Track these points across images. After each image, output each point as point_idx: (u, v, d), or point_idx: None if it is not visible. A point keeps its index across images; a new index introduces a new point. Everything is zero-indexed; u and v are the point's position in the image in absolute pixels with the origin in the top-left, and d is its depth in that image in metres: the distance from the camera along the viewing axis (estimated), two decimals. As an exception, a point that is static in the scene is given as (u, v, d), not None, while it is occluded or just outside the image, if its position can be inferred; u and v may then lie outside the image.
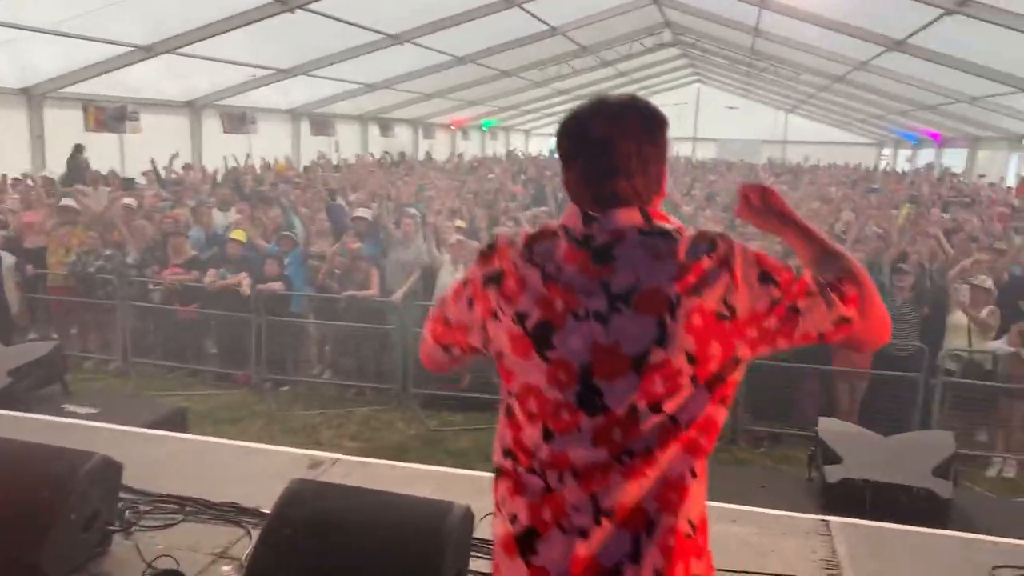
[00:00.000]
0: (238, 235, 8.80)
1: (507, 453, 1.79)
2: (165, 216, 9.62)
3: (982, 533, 4.46)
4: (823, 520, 4.13)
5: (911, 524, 4.31)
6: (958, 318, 7.16)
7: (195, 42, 12.48)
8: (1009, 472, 6.95)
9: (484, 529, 3.40)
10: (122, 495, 3.72)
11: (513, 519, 1.75)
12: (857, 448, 4.98)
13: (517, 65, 20.35)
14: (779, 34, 16.60)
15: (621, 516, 1.64)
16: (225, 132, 17.19)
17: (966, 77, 13.98)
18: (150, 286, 8.78)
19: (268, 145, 18.03)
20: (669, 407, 1.63)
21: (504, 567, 1.78)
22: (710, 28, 18.98)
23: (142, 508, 3.74)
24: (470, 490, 4.18)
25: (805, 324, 1.69)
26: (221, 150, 15.83)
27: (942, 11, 10.52)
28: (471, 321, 1.84)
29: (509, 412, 1.78)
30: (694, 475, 1.67)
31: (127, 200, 9.89)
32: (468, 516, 3.16)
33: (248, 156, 15.90)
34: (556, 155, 1.82)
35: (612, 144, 1.70)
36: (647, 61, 25.14)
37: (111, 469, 3.50)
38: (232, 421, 7.27)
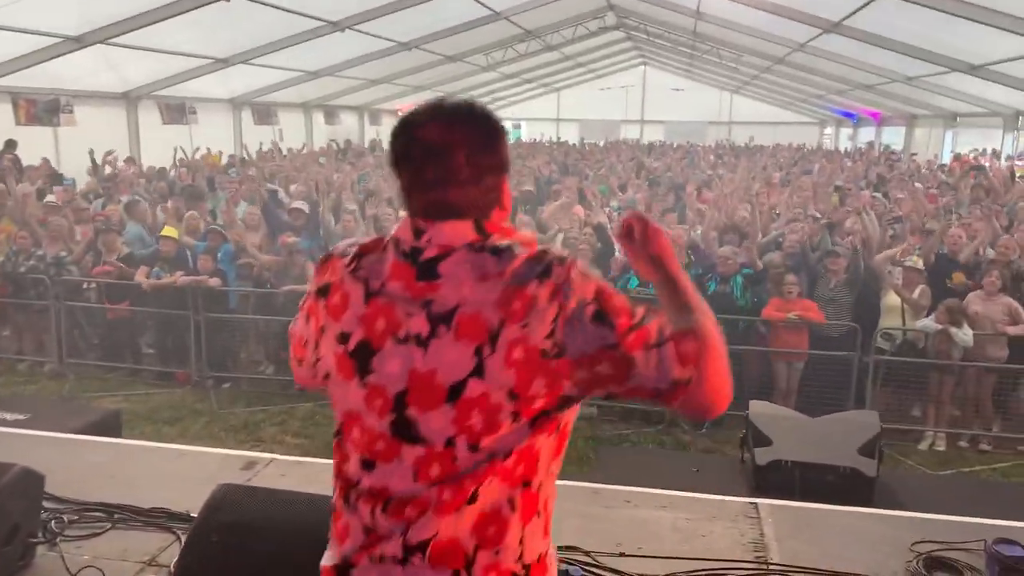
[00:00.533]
0: (169, 232, 8.60)
1: (335, 484, 1.70)
2: (97, 214, 9.41)
3: (907, 509, 4.61)
4: (752, 503, 4.23)
5: (839, 503, 4.44)
6: (891, 299, 7.34)
7: (129, 31, 12.16)
8: (940, 445, 7.17)
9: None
10: (47, 505, 3.67)
11: (334, 550, 1.69)
12: (786, 430, 5.10)
13: (462, 50, 20.23)
14: (720, 17, 16.74)
15: (435, 553, 1.55)
16: (164, 123, 16.81)
17: (902, 57, 14.26)
18: (84, 285, 8.59)
19: (209, 136, 17.68)
20: (487, 443, 1.53)
21: None
22: (653, 11, 19.06)
23: (67, 518, 3.68)
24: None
25: (638, 378, 1.52)
26: (160, 142, 15.51)
27: (875, -7, 10.73)
28: (308, 336, 1.76)
29: (337, 435, 1.69)
30: (513, 507, 1.57)
31: (50, 197, 9.63)
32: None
33: (197, 149, 15.56)
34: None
35: (443, 150, 1.57)
36: (592, 44, 25.18)
37: (32, 480, 3.44)
38: (172, 421, 7.16)
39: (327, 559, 1.71)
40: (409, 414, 1.56)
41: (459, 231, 1.56)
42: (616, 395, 1.58)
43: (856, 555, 3.69)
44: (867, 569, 3.56)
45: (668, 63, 30.39)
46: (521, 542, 1.59)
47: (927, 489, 5.40)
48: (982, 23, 10.30)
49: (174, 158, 14.39)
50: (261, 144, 18.35)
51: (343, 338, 1.63)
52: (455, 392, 1.52)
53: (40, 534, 3.50)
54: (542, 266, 1.52)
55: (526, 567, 1.61)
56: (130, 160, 14.39)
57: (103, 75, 14.63)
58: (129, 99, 16.04)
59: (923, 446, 7.14)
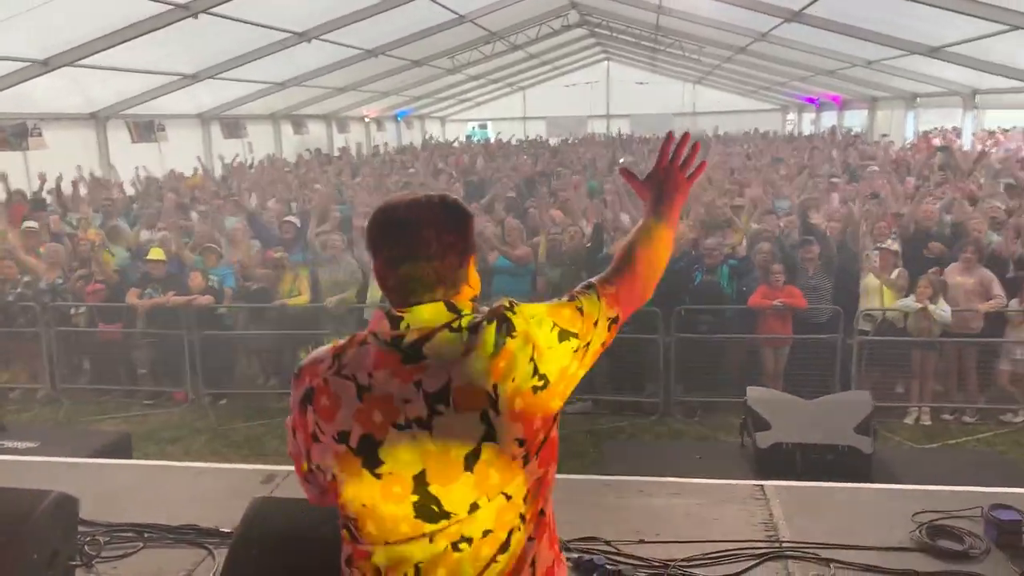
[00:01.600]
0: (156, 254, 8.61)
1: (349, 564, 1.81)
2: (79, 238, 9.37)
3: (902, 483, 4.81)
4: (758, 485, 4.40)
5: (839, 480, 4.63)
6: (871, 281, 7.57)
7: (96, 53, 12.12)
8: (926, 420, 7.43)
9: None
10: (80, 528, 3.74)
11: None
12: (784, 413, 5.28)
13: (428, 54, 20.30)
14: (682, 10, 16.97)
15: None
16: (134, 142, 16.71)
17: (862, 42, 14.56)
18: (72, 310, 8.58)
19: (179, 152, 17.61)
20: (508, 489, 1.68)
21: None
22: (614, 7, 19.26)
23: (101, 540, 3.76)
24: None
25: (593, 348, 1.83)
26: (131, 161, 15.44)
27: (835, -18, 10.99)
28: (299, 451, 1.85)
29: (348, 531, 1.77)
30: (530, 539, 1.74)
31: (29, 223, 9.57)
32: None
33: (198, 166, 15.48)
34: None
35: (413, 226, 1.72)
36: (556, 43, 25.35)
37: (68, 505, 3.51)
38: (174, 440, 7.22)
39: None
40: (432, 492, 1.66)
41: (434, 313, 1.70)
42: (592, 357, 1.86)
43: (862, 528, 3.87)
44: (874, 541, 3.74)
45: (631, 57, 30.65)
46: (533, 563, 1.76)
47: (919, 462, 5.62)
48: (938, 7, 10.58)
49: (137, 176, 14.35)
50: (235, 155, 18.30)
51: (342, 437, 1.70)
52: (471, 460, 1.65)
53: (77, 558, 3.57)
54: (504, 323, 1.70)
55: None
56: (101, 182, 14.30)
57: (70, 97, 14.54)
58: (98, 119, 15.93)
59: (909, 421, 7.40)
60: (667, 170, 2.14)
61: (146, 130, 17.15)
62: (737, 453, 5.44)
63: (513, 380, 1.66)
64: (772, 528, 3.92)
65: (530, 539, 1.74)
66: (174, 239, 9.03)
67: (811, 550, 3.70)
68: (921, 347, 7.42)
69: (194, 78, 15.51)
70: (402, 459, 1.66)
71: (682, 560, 3.63)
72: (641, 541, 3.76)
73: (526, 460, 1.69)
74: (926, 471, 5.08)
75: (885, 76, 18.15)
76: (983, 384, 7.53)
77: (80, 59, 12.23)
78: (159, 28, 11.70)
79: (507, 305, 1.74)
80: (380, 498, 1.67)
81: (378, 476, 1.67)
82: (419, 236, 1.72)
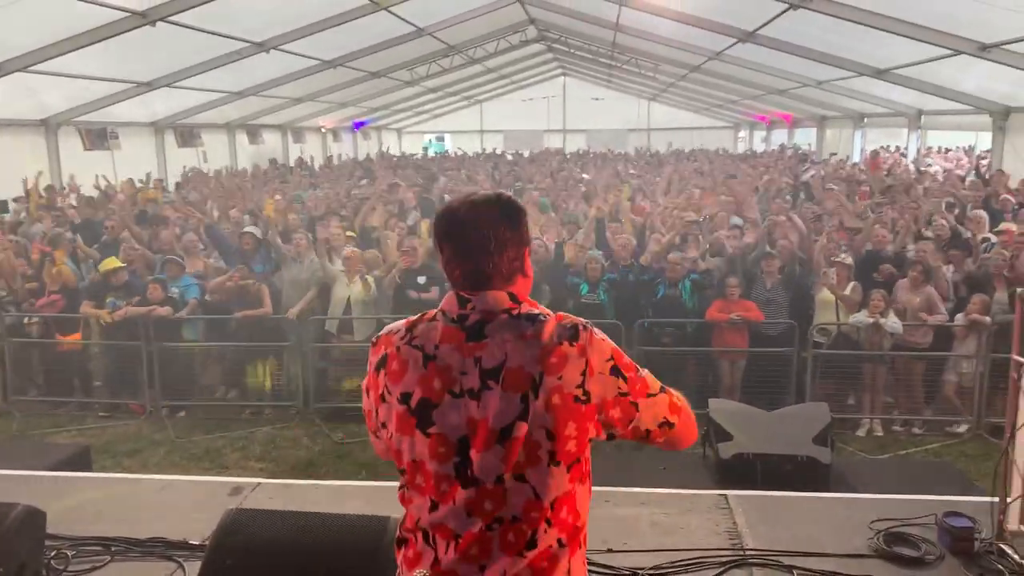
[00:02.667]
0: (110, 263, 8.47)
1: (404, 526, 1.99)
2: (36, 246, 9.19)
3: (859, 491, 4.97)
4: (722, 494, 4.52)
5: (798, 489, 4.76)
6: (825, 295, 7.78)
7: (49, 59, 11.90)
8: (877, 430, 7.65)
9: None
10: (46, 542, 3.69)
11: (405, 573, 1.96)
12: (745, 424, 5.42)
13: (386, 66, 20.29)
14: (639, 28, 17.24)
15: None
16: (86, 149, 16.42)
17: (813, 63, 14.95)
18: (25, 320, 8.41)
19: (132, 160, 17.32)
20: (532, 478, 1.84)
21: None
22: (572, 24, 19.49)
23: (68, 554, 3.71)
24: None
25: (639, 420, 1.96)
26: (82, 169, 15.15)
27: (787, 5, 11.25)
28: (371, 408, 2.04)
29: (402, 487, 1.98)
30: (562, 545, 1.89)
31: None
32: (404, 528, 3.30)
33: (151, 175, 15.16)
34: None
35: (472, 227, 1.94)
36: (514, 57, 25.52)
37: (35, 518, 3.47)
38: (132, 453, 7.10)
39: None
40: (471, 456, 1.85)
41: (498, 299, 1.92)
42: (618, 436, 1.98)
43: (822, 536, 4.00)
44: (834, 549, 3.87)
45: (588, 73, 31.00)
46: (569, 572, 1.92)
47: (873, 473, 5.78)
48: (886, 31, 10.95)
49: (97, 185, 14.08)
50: (184, 166, 18.06)
51: (404, 398, 1.91)
52: (505, 434, 1.82)
53: (44, 572, 3.52)
54: (570, 330, 1.89)
55: None
56: (59, 192, 14.02)
57: (21, 102, 14.24)
58: (48, 126, 15.62)
59: (862, 432, 7.61)
60: None
61: (99, 138, 16.86)
62: (700, 463, 5.55)
63: (559, 379, 1.83)
64: (736, 536, 4.03)
65: (561, 545, 1.89)
66: (138, 256, 8.89)
67: (774, 558, 3.81)
68: (873, 360, 7.64)
69: (149, 86, 15.30)
70: (450, 423, 1.86)
71: (650, 569, 3.72)
72: (609, 550, 3.84)
73: (552, 459, 1.85)
74: (880, 480, 5.24)
75: (834, 96, 18.64)
76: (931, 396, 7.77)
77: (32, 64, 11.99)
78: (115, 35, 11.54)
79: (583, 321, 1.94)
80: (428, 455, 1.87)
81: (428, 435, 1.87)
82: (478, 234, 1.93)
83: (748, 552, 3.86)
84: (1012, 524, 3.74)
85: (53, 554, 3.67)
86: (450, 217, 1.99)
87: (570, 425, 1.84)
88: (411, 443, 1.90)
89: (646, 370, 2.01)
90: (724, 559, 3.81)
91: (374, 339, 2.05)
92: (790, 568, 3.72)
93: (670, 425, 2.02)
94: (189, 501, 4.41)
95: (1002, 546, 3.72)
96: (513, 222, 1.98)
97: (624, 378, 1.92)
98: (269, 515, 3.35)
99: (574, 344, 1.86)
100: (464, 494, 1.85)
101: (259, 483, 4.65)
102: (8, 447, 6.02)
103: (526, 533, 1.85)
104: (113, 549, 3.83)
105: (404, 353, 1.94)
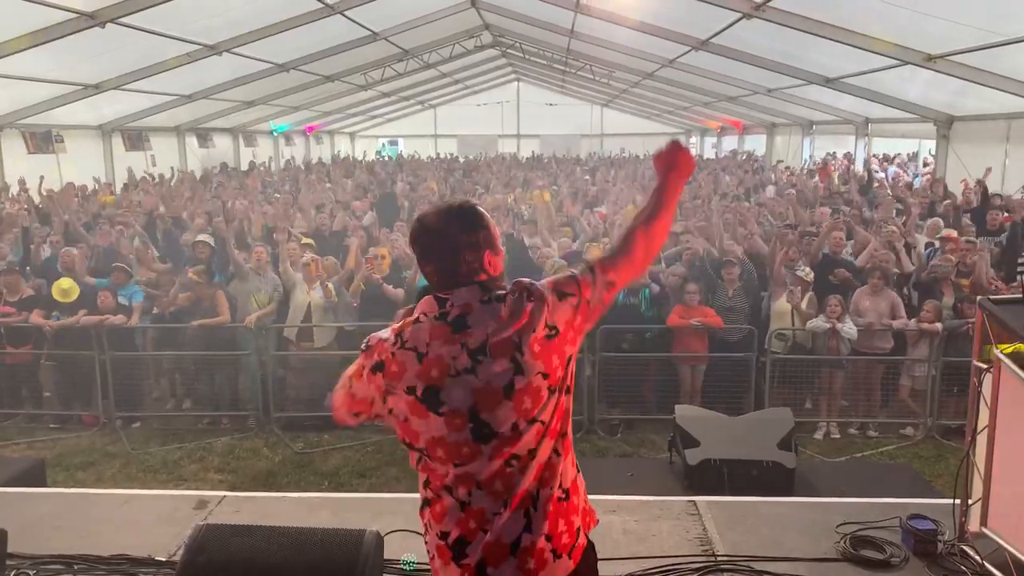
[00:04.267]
0: (67, 287, 8.17)
1: (427, 487, 2.30)
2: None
3: (821, 495, 5.06)
4: (691, 500, 4.56)
5: (764, 494, 4.83)
6: (782, 304, 7.90)
7: (-6, 60, 11.55)
8: (835, 434, 7.79)
9: (392, 549, 3.54)
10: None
11: (443, 535, 2.25)
12: (711, 430, 5.47)
13: (339, 70, 20.12)
14: (593, 35, 17.34)
15: (515, 503, 2.20)
16: (30, 152, 15.97)
17: (763, 71, 15.23)
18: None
19: (77, 163, 16.90)
20: (541, 416, 2.22)
21: (441, 573, 2.28)
22: (527, 30, 19.54)
23: (29, 572, 3.60)
24: (367, 512, 4.30)
25: (593, 305, 2.33)
26: (26, 172, 14.72)
27: (740, 15, 11.44)
28: (372, 394, 2.33)
29: (421, 460, 2.30)
30: (558, 453, 2.27)
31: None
32: (379, 541, 3.25)
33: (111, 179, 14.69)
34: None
35: (439, 233, 2.30)
36: (468, 62, 25.49)
37: (-4, 538, 3.36)
38: (85, 466, 6.90)
39: (435, 543, 2.28)
40: (483, 418, 2.19)
41: (470, 292, 2.26)
42: (616, 288, 2.40)
43: (790, 540, 4.06)
44: (802, 553, 3.93)
45: (541, 79, 31.13)
46: (562, 474, 2.28)
47: (835, 475, 5.89)
48: (835, 40, 11.20)
49: (39, 189, 13.69)
50: (133, 169, 17.68)
51: (411, 390, 2.24)
52: (508, 390, 2.19)
53: (4, 593, 3.41)
54: (526, 291, 2.26)
55: (565, 491, 2.29)
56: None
57: (-39, 104, 13.82)
58: (-9, 129, 15.17)
59: (819, 436, 7.74)
60: (678, 154, 2.54)
61: (43, 140, 16.41)
62: (667, 469, 5.58)
63: (533, 330, 2.20)
64: (707, 543, 4.07)
65: (557, 453, 2.28)
66: (78, 259, 8.64)
67: (745, 563, 3.86)
68: (830, 365, 7.79)
69: (97, 88, 14.94)
70: (457, 398, 2.19)
71: (623, 577, 3.73)
72: (584, 559, 3.83)
73: (551, 391, 2.23)
74: (842, 483, 5.35)
75: (784, 104, 19.00)
76: (886, 400, 7.95)
77: (-26, 66, 11.63)
78: (63, 37, 11.25)
79: (530, 281, 2.29)
80: (446, 430, 2.20)
81: (441, 414, 2.20)
82: (445, 239, 2.29)
83: (719, 558, 3.90)
84: (973, 526, 3.83)
85: (13, 574, 3.55)
86: (420, 226, 2.35)
87: (553, 358, 2.23)
88: (426, 424, 2.21)
89: (581, 268, 2.37)
90: (696, 565, 3.84)
91: (366, 345, 2.33)
92: (761, 573, 3.77)
93: (611, 284, 2.36)
94: (152, 516, 4.31)
95: (964, 547, 3.82)
96: (474, 227, 2.31)
97: (570, 294, 2.29)
98: (240, 531, 3.27)
99: (530, 299, 2.23)
100: (487, 447, 2.18)
101: (224, 496, 4.56)
102: (-43, 463, 5.79)
103: (542, 459, 2.22)
104: (76, 567, 3.72)
105: (400, 356, 2.24)
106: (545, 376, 2.22)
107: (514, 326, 2.20)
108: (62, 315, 7.92)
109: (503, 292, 2.28)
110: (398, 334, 2.28)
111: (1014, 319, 3.44)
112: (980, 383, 3.73)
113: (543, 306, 2.24)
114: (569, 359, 2.30)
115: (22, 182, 13.92)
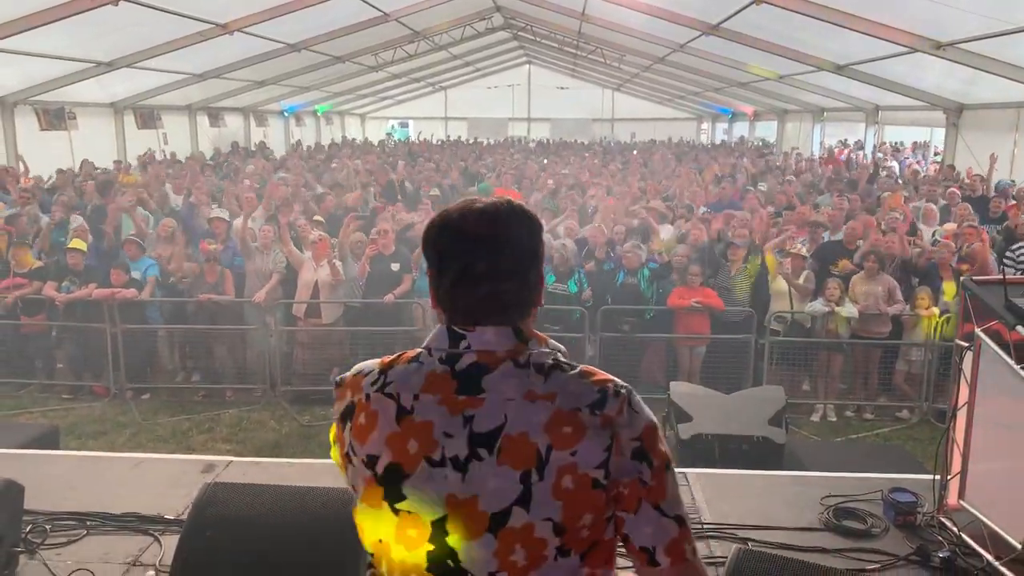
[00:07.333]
0: (77, 244, 8.44)
1: None
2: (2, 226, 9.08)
3: (811, 470, 5.19)
4: (681, 472, 4.69)
5: (754, 468, 4.97)
6: (779, 284, 8.02)
7: (6, 36, 11.69)
8: (831, 415, 7.91)
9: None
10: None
11: None
12: (704, 406, 5.62)
13: (351, 51, 20.22)
14: (604, 19, 17.38)
15: None
16: (42, 129, 16.15)
17: (774, 57, 15.25)
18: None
19: (90, 141, 17.08)
20: None
21: None
22: (539, 12, 19.56)
23: (46, 527, 3.77)
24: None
25: (636, 522, 1.44)
26: (38, 149, 14.92)
27: (751, 0, 11.50)
28: (340, 466, 1.61)
29: (370, 568, 1.57)
30: None
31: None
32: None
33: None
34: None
35: (489, 243, 1.51)
36: (479, 44, 25.53)
37: (13, 491, 3.53)
38: (96, 435, 7.09)
39: None
40: (449, 543, 1.43)
41: (501, 338, 1.49)
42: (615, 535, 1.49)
43: (775, 511, 4.20)
44: (786, 522, 4.07)
45: (553, 62, 31.09)
46: None
47: (825, 453, 6.02)
48: (846, 27, 11.24)
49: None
50: (147, 149, 17.86)
51: (370, 461, 1.49)
52: (497, 521, 1.41)
53: (20, 545, 3.58)
54: (596, 394, 1.45)
55: None
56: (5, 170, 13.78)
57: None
58: (4, 105, 15.33)
59: (815, 417, 7.87)
60: None
61: (56, 117, 16.59)
62: (660, 444, 5.73)
63: (573, 455, 1.40)
64: (695, 511, 4.22)
65: None
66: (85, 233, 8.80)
67: (730, 531, 4.00)
68: (828, 348, 7.90)
69: (109, 66, 15.08)
70: (425, 499, 1.44)
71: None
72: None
73: (561, 552, 1.42)
74: (831, 460, 5.48)
75: (795, 90, 19.01)
76: (882, 383, 8.05)
77: (-11, 41, 11.78)
78: (77, 14, 11.38)
79: (618, 383, 1.48)
80: (394, 538, 1.47)
81: (396, 511, 1.47)
82: (499, 254, 1.51)
83: (705, 525, 4.05)
84: (952, 499, 3.96)
85: (29, 528, 3.73)
86: (455, 229, 1.53)
87: (585, 517, 1.41)
88: (375, 520, 1.48)
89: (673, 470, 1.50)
90: (683, 533, 3.98)
91: (338, 379, 1.61)
92: (745, 540, 3.91)
93: (681, 553, 1.44)
94: (162, 478, 4.48)
95: (942, 519, 3.95)
96: (534, 238, 1.56)
97: (649, 464, 1.44)
98: (246, 489, 3.45)
99: (597, 414, 1.42)
100: None
101: (231, 461, 4.73)
102: (-26, 428, 6.00)
103: None
104: (89, 523, 3.90)
105: (374, 403, 1.51)
106: (559, 532, 1.40)
107: (550, 430, 1.41)
108: (72, 287, 8.08)
109: (554, 361, 1.49)
110: (383, 370, 1.54)
111: (994, 299, 3.55)
112: (961, 361, 3.85)
113: (607, 438, 1.41)
114: (608, 521, 1.45)
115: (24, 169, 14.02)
